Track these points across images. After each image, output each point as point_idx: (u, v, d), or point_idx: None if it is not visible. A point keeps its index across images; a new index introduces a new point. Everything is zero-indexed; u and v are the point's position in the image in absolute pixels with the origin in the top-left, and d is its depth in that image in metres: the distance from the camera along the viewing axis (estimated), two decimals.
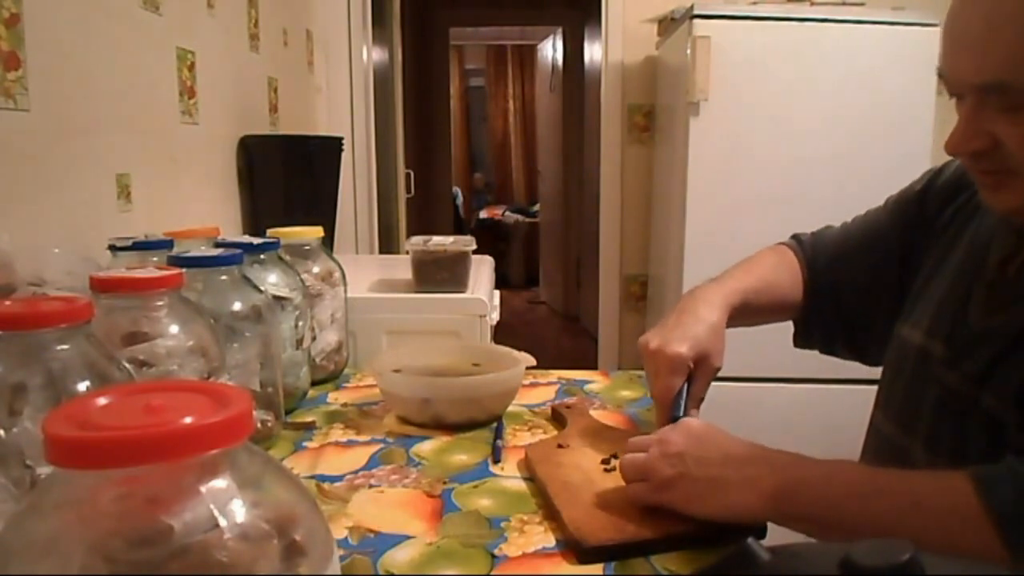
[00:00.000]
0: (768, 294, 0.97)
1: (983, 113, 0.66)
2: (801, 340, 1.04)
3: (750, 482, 0.67)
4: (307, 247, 1.19)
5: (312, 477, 0.84)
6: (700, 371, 0.86)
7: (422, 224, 4.76)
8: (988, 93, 0.65)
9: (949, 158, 0.91)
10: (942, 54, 0.69)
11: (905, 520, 0.62)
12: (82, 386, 0.53)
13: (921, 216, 0.91)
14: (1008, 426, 0.68)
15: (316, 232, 1.21)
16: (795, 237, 1.05)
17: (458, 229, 6.89)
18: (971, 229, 0.83)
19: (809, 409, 2.25)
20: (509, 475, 0.85)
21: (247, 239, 1.04)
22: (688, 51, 2.24)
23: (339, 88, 2.67)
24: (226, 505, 0.33)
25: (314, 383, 1.14)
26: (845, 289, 0.97)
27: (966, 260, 0.81)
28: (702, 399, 0.86)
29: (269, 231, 1.14)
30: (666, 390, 0.84)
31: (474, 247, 1.44)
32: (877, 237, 0.96)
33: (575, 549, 0.67)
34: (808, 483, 0.66)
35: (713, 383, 0.89)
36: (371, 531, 0.72)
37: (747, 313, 0.94)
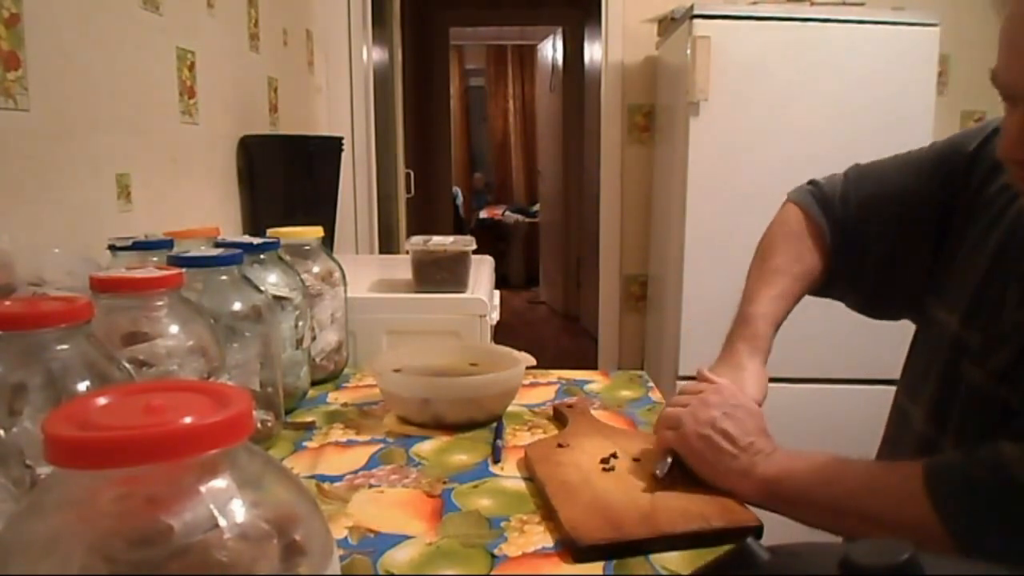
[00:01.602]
0: (792, 294, 0.95)
1: None
2: (820, 292, 1.00)
3: (747, 469, 0.76)
4: (307, 247, 1.19)
5: (312, 477, 0.84)
6: None
7: (422, 224, 4.76)
8: None
9: (982, 127, 0.88)
10: (1000, 57, 0.67)
11: (861, 503, 0.71)
12: (82, 386, 0.53)
13: (967, 177, 0.85)
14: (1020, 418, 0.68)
15: (316, 232, 1.21)
16: (817, 192, 0.99)
17: (458, 229, 6.89)
18: (1013, 211, 0.79)
19: (811, 409, 2.25)
20: (509, 475, 0.85)
21: (247, 239, 1.04)
22: (688, 51, 2.24)
23: (339, 88, 2.67)
24: (226, 505, 0.33)
25: (314, 383, 1.14)
26: (873, 244, 0.93)
27: (1007, 245, 0.78)
28: None
29: (269, 231, 1.14)
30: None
31: (474, 247, 1.44)
32: (917, 192, 0.90)
33: (571, 548, 0.67)
34: (790, 473, 0.75)
35: None
36: (371, 531, 0.72)
37: (781, 324, 0.95)
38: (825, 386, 2.24)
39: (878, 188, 0.94)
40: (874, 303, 0.97)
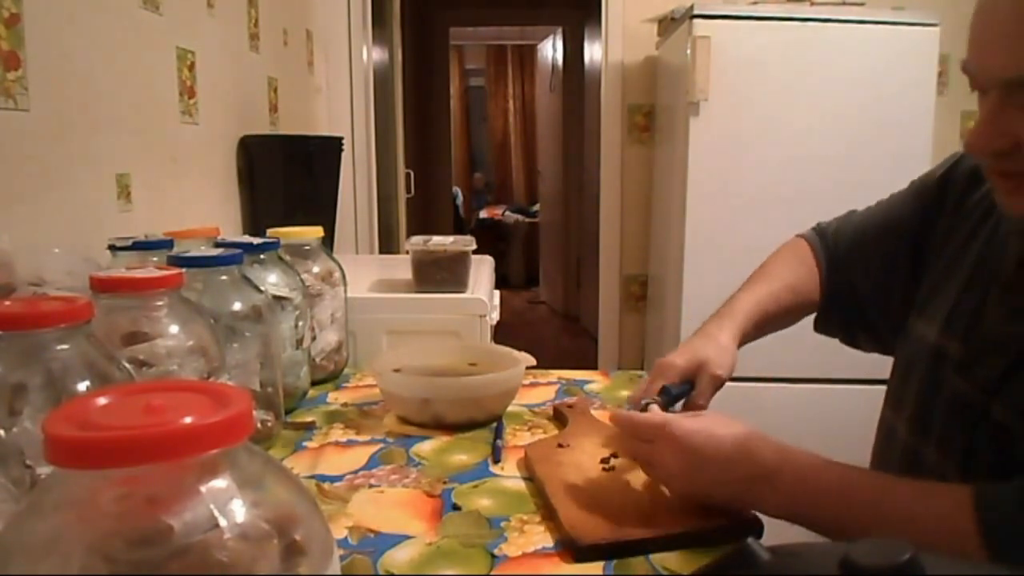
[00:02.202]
0: (783, 301, 0.97)
1: (1006, 111, 0.64)
2: (821, 327, 1.03)
3: (753, 505, 0.71)
4: (307, 247, 1.19)
5: (312, 477, 0.84)
6: (700, 378, 0.88)
7: (422, 224, 4.76)
8: (1014, 89, 0.63)
9: (950, 156, 0.90)
10: (969, 47, 0.67)
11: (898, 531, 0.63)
12: (82, 386, 0.53)
13: (941, 202, 0.88)
14: (1017, 437, 0.67)
15: (316, 232, 1.21)
16: (817, 227, 1.04)
17: (458, 229, 6.89)
18: (991, 222, 0.80)
19: (810, 409, 2.25)
20: (509, 475, 0.85)
21: (247, 239, 1.04)
22: (688, 51, 2.24)
23: (339, 88, 2.67)
24: (226, 505, 0.33)
25: (314, 383, 1.14)
26: (860, 276, 0.96)
27: (984, 256, 0.79)
28: (703, 406, 0.87)
29: (269, 231, 1.14)
30: (643, 390, 0.88)
31: (474, 247, 1.44)
32: (896, 223, 0.94)
33: (571, 548, 0.67)
34: (812, 503, 0.68)
35: None
36: (371, 531, 0.72)
37: (765, 324, 0.96)
38: (824, 386, 2.24)
39: (860, 232, 0.98)
40: (877, 339, 0.98)
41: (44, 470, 0.49)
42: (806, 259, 1.00)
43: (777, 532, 0.66)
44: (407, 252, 1.43)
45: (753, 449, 0.70)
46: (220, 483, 0.34)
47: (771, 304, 0.96)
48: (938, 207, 0.89)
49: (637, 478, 0.79)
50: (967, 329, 0.76)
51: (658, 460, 0.74)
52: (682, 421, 0.73)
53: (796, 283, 0.98)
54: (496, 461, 0.88)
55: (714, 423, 0.73)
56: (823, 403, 2.23)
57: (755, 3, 2.42)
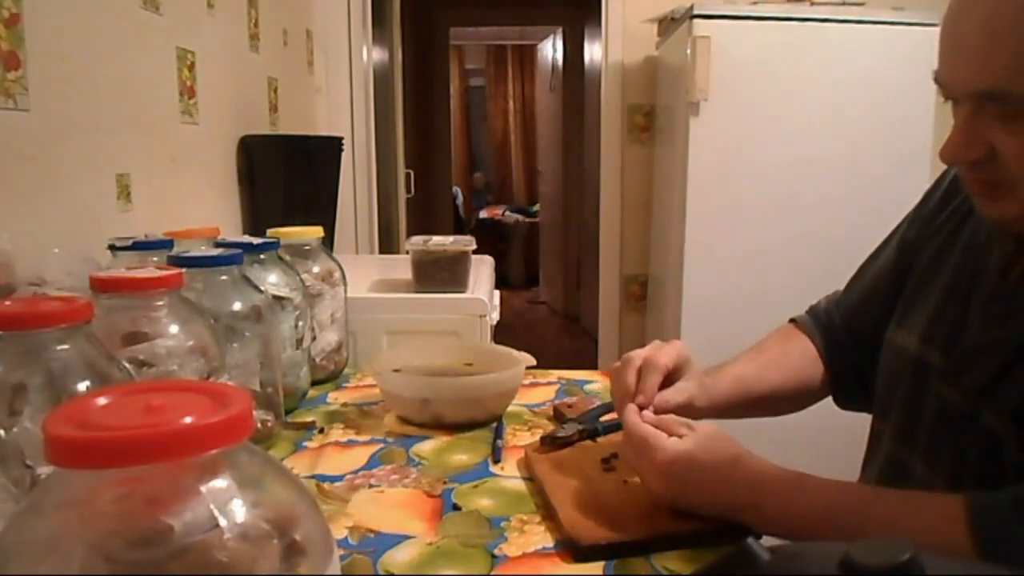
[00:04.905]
0: (771, 377, 0.92)
1: (979, 121, 0.65)
2: (842, 400, 0.99)
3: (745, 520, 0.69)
4: (307, 247, 1.19)
5: (312, 477, 0.84)
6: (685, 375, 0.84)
7: (422, 224, 4.76)
8: (985, 101, 0.64)
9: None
10: (939, 59, 0.67)
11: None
12: (82, 386, 0.53)
13: (918, 227, 0.88)
14: (1005, 442, 0.67)
15: (316, 232, 1.21)
16: (810, 309, 1.01)
17: (458, 229, 6.89)
18: (967, 230, 0.80)
19: (809, 411, 2.25)
20: (509, 475, 0.85)
21: (247, 239, 1.04)
22: (688, 51, 2.24)
23: (339, 88, 2.67)
24: (226, 505, 0.33)
25: (314, 383, 1.14)
26: (865, 336, 0.92)
27: (963, 264, 0.79)
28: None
29: (269, 231, 1.14)
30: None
31: (474, 247, 1.44)
32: (882, 274, 0.92)
33: (571, 548, 0.67)
34: (799, 526, 0.67)
35: None
36: (371, 531, 0.72)
37: (744, 400, 0.90)
38: None
39: (858, 292, 0.96)
40: None
41: (44, 470, 0.49)
42: (799, 339, 0.97)
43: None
44: (407, 252, 1.43)
45: (735, 478, 0.69)
46: (220, 483, 0.34)
47: (754, 381, 0.91)
48: (916, 233, 0.88)
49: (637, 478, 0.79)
50: (950, 338, 0.76)
51: (642, 476, 0.74)
52: (665, 445, 0.70)
53: (787, 361, 0.94)
54: (496, 461, 0.88)
55: (697, 447, 0.70)
56: (820, 403, 2.23)
57: (755, 3, 2.42)
